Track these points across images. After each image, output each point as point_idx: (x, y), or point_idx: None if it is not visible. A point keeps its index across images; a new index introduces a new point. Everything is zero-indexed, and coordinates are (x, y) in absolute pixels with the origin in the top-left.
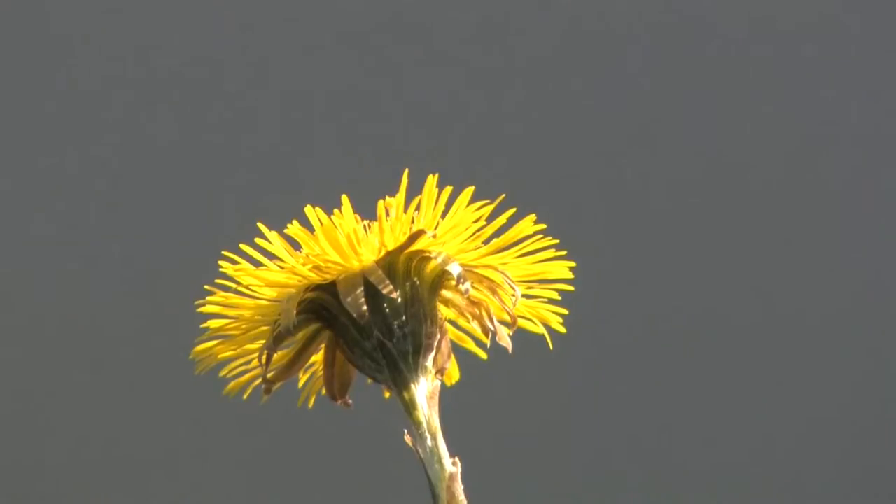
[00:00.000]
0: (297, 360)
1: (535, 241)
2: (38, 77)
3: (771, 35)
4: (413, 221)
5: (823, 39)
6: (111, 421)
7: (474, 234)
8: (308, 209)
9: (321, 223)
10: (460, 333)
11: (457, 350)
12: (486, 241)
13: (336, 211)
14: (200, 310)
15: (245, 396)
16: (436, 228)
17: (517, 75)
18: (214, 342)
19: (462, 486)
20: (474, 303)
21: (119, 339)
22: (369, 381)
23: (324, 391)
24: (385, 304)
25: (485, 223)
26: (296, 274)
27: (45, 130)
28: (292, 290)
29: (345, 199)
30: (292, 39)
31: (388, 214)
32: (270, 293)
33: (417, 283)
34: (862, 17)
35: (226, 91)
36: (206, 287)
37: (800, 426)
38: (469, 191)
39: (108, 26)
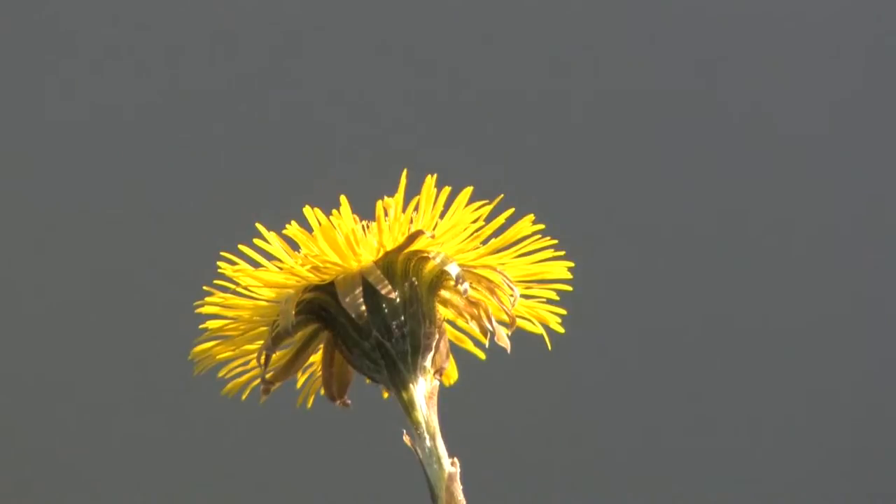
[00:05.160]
0: (296, 360)
1: (533, 242)
2: (36, 90)
3: (771, 37)
4: (411, 222)
5: (825, 44)
6: (109, 420)
7: (473, 234)
8: (306, 209)
9: (319, 224)
10: (459, 334)
11: (455, 350)
12: (485, 242)
13: (334, 211)
14: (199, 310)
15: (244, 397)
16: (434, 229)
17: (517, 75)
18: (213, 343)
19: (461, 487)
20: (473, 303)
21: (118, 337)
22: (368, 381)
23: (322, 391)
24: (384, 305)
25: (483, 223)
26: (294, 274)
27: (45, 135)
28: (291, 291)
29: (343, 199)
30: (293, 40)
31: (386, 215)
32: (269, 294)
33: (416, 283)
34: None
35: (226, 92)
36: (204, 288)
37: (799, 424)
38: (467, 191)
39: (111, 39)
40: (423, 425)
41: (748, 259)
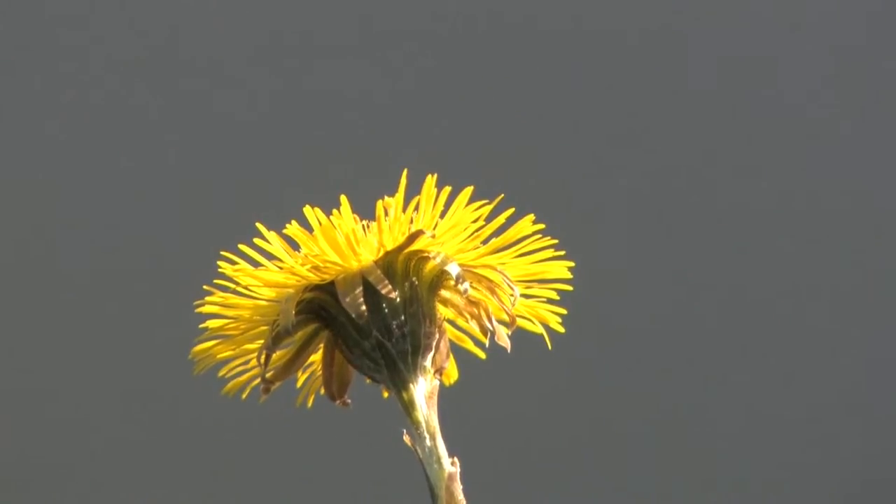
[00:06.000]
0: (296, 359)
1: (533, 241)
2: (41, 90)
3: (767, 35)
4: (412, 221)
5: (817, 40)
6: (108, 419)
7: (473, 233)
8: (307, 209)
9: (320, 223)
10: (459, 333)
11: (456, 350)
12: (485, 241)
13: (335, 211)
14: (199, 310)
15: (244, 396)
16: (434, 228)
17: (517, 75)
18: (213, 342)
19: (461, 486)
20: (473, 302)
21: (118, 336)
22: (368, 380)
23: (322, 391)
24: (384, 304)
25: (483, 223)
26: (294, 274)
27: (45, 134)
28: (291, 291)
29: (343, 199)
30: (293, 41)
31: (386, 214)
32: (269, 293)
33: (416, 283)
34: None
35: (226, 92)
36: (204, 287)
37: (802, 424)
38: (468, 191)
39: (109, 39)
40: (424, 425)
41: (748, 256)
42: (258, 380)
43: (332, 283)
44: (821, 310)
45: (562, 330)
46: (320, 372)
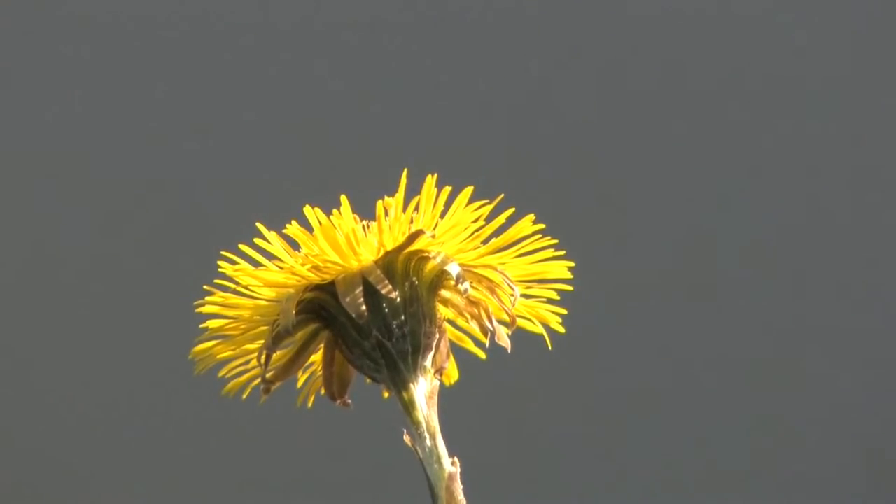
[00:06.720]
0: (297, 359)
1: (533, 241)
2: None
3: (769, 27)
4: (412, 221)
5: (816, 28)
6: (108, 419)
7: (473, 233)
8: (307, 209)
9: (320, 223)
10: (459, 333)
11: (455, 350)
12: (485, 241)
13: (335, 211)
14: (199, 310)
15: (244, 396)
16: (434, 228)
17: (517, 75)
18: (213, 342)
19: (461, 486)
20: (473, 302)
21: (118, 336)
22: (368, 380)
23: (323, 391)
24: (384, 304)
25: (484, 223)
26: (295, 274)
27: (48, 134)
28: (291, 290)
29: (343, 199)
30: (295, 40)
31: (386, 214)
32: (269, 293)
33: (416, 282)
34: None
35: (227, 93)
36: (205, 287)
37: (803, 424)
38: (468, 191)
39: (116, 28)
40: (424, 425)
41: (749, 257)
42: (258, 380)
43: (332, 283)
44: (824, 305)
45: (562, 330)
46: (321, 372)
